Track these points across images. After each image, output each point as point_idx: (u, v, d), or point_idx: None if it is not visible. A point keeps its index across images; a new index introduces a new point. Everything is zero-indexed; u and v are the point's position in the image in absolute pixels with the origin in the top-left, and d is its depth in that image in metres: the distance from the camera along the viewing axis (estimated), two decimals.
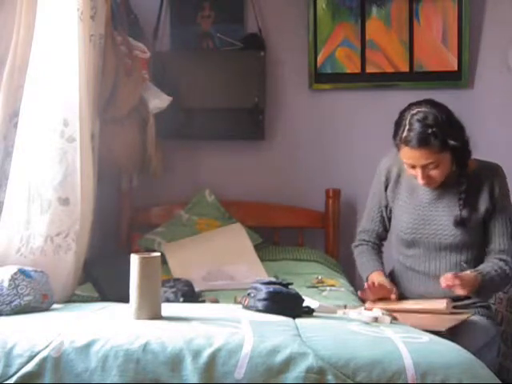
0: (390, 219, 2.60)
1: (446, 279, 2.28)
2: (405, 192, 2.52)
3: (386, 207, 2.58)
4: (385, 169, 2.56)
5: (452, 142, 2.30)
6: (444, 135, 2.29)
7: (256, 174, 3.64)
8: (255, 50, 3.52)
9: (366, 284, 2.43)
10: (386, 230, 2.63)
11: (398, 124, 2.37)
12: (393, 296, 2.41)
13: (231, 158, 3.65)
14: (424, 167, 2.34)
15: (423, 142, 2.29)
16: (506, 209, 2.41)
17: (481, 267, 2.37)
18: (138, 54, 3.13)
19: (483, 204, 2.40)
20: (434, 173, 2.35)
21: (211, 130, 3.55)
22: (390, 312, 2.13)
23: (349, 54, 3.57)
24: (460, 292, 2.30)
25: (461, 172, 2.40)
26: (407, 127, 2.33)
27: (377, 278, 2.49)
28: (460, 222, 2.39)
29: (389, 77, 3.56)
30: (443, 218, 2.42)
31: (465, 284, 2.28)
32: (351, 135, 3.58)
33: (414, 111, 2.34)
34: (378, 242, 2.65)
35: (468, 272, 2.34)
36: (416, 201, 2.48)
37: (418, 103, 2.38)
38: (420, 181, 2.37)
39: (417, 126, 2.31)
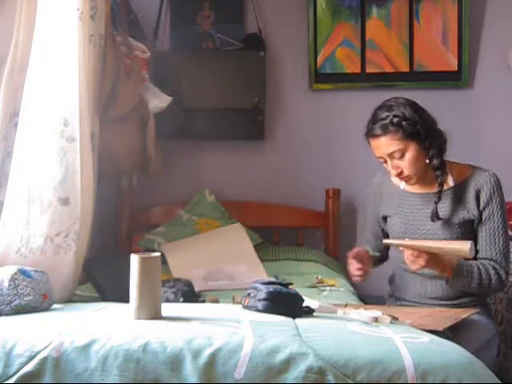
0: (381, 235, 2.63)
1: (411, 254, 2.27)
2: (396, 199, 2.53)
3: (377, 221, 2.61)
4: (373, 189, 2.62)
5: (407, 124, 2.30)
6: (402, 120, 2.32)
7: (256, 174, 3.64)
8: (255, 50, 3.52)
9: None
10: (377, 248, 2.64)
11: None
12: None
13: (231, 157, 3.66)
14: (391, 157, 2.36)
15: (383, 128, 2.33)
16: (494, 218, 2.38)
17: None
18: (137, 54, 3.13)
19: (466, 209, 2.39)
20: (401, 164, 2.36)
21: (211, 130, 3.56)
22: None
23: (349, 53, 3.58)
24: (414, 266, 2.28)
25: (435, 167, 2.39)
26: (371, 120, 2.39)
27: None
28: (435, 215, 2.38)
29: (389, 77, 3.56)
30: (431, 222, 2.43)
31: (428, 259, 2.25)
32: (351, 135, 3.55)
33: (378, 105, 2.41)
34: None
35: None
36: (406, 206, 2.49)
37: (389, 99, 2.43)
38: (392, 173, 2.40)
39: (377, 115, 2.37)
